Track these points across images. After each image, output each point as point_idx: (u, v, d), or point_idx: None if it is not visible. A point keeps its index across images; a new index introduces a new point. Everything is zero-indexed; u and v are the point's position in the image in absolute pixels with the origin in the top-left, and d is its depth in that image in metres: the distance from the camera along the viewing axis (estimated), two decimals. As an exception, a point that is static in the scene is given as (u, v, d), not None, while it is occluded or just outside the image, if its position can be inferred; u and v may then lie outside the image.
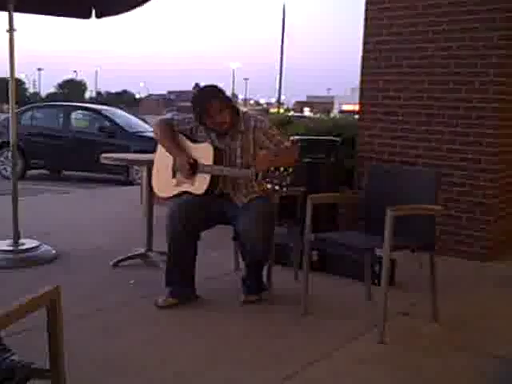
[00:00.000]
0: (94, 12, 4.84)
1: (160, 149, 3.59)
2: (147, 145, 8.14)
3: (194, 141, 3.48)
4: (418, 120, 5.02)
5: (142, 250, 4.20)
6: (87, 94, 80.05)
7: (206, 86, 3.48)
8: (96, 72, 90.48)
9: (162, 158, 3.54)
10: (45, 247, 4.36)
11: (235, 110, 3.42)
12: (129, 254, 4.19)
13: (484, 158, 4.71)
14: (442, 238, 4.41)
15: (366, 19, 5.29)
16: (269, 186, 3.09)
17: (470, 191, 4.78)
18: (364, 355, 2.79)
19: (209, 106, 3.30)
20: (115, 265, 4.10)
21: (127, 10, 4.83)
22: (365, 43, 5.32)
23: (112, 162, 4.08)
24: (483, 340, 3.08)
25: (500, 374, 2.64)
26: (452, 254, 4.73)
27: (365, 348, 2.89)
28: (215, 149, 3.36)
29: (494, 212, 4.76)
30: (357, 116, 5.74)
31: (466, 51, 4.74)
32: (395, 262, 3.85)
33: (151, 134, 9.42)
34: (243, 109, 3.75)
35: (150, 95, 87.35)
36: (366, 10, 5.28)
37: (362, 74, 5.37)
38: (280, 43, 38.12)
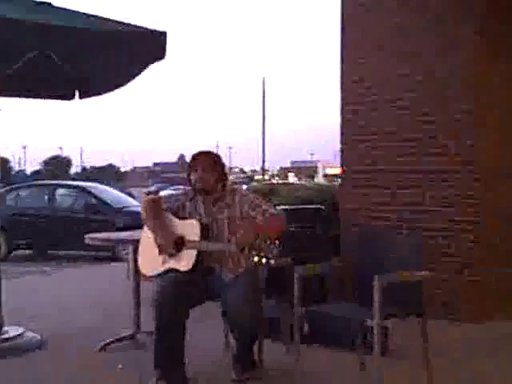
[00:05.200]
0: (77, 93, 4.95)
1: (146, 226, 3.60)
2: (133, 220, 8.14)
3: (182, 217, 3.50)
4: (399, 184, 5.09)
5: (130, 331, 4.12)
6: (72, 170, 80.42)
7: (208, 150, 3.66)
8: (81, 148, 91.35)
9: (148, 235, 3.53)
10: (29, 334, 4.23)
11: (223, 181, 3.50)
12: (116, 337, 4.10)
13: (465, 219, 4.76)
14: (431, 302, 4.39)
15: (342, 90, 5.45)
16: (255, 258, 3.08)
17: (455, 253, 4.79)
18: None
19: (198, 159, 3.48)
20: (102, 348, 4.00)
21: (110, 90, 4.94)
22: (343, 110, 5.45)
23: (97, 243, 4.06)
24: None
25: None
26: (443, 317, 4.68)
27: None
28: (202, 225, 3.38)
29: (481, 272, 4.77)
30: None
31: (441, 117, 4.89)
32: (387, 329, 3.80)
33: (137, 209, 9.49)
34: (230, 183, 3.85)
35: (135, 168, 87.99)
36: (342, 83, 5.45)
37: (342, 140, 5.48)
38: (261, 113, 39.01)
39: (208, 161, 3.49)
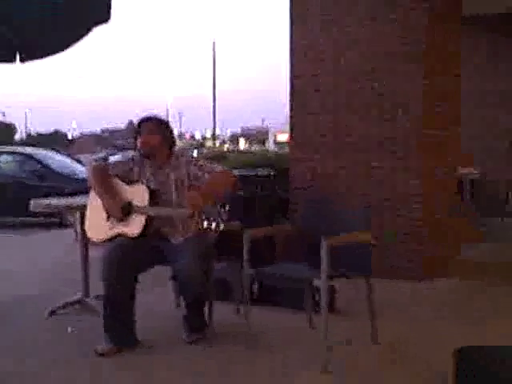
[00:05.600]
0: (17, 56, 4.76)
1: (93, 191, 3.55)
2: (81, 186, 7.99)
3: (130, 182, 3.47)
4: (347, 151, 5.17)
5: (79, 296, 4.10)
6: (17, 136, 77.67)
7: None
8: (25, 113, 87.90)
9: (96, 201, 3.49)
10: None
11: (169, 145, 3.49)
12: (65, 301, 4.07)
13: (412, 182, 4.90)
14: (377, 261, 4.53)
15: (291, 58, 5.44)
16: (205, 223, 3.10)
17: (402, 215, 4.94)
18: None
19: (143, 124, 3.48)
20: (51, 313, 3.97)
21: (52, 53, 4.78)
22: (292, 78, 5.45)
23: (42, 210, 3.98)
24: (423, 357, 3.16)
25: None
26: (388, 276, 4.85)
27: (310, 378, 2.90)
28: (150, 189, 3.36)
29: (425, 233, 4.94)
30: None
31: (390, 86, 4.96)
32: (334, 287, 3.91)
33: (85, 175, 9.32)
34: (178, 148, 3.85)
35: (83, 134, 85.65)
36: (291, 51, 5.42)
37: (291, 107, 5.49)
38: (212, 77, 38.55)
39: (153, 125, 3.49)
